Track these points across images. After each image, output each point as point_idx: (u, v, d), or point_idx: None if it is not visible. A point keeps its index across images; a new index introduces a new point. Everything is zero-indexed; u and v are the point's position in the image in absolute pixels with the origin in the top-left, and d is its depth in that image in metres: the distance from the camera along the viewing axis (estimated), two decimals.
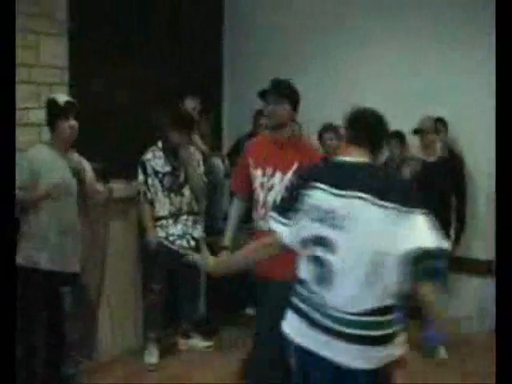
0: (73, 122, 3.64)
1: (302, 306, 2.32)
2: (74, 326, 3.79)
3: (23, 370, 3.49)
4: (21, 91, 4.06)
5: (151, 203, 4.52)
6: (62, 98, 3.73)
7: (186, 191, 4.57)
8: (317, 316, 2.25)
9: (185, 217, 4.58)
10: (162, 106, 4.74)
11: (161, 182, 4.51)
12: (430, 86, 5.30)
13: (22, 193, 3.39)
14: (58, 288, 3.68)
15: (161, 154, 4.54)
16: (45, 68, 4.46)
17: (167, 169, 4.52)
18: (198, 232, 4.67)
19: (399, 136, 5.21)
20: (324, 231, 2.22)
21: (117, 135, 4.97)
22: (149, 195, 4.51)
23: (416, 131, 4.77)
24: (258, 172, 3.33)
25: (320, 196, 2.27)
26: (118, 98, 5.09)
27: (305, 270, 2.34)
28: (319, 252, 2.25)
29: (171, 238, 4.52)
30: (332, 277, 2.21)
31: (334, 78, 5.73)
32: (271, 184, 3.27)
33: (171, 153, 4.53)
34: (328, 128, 5.00)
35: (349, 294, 2.18)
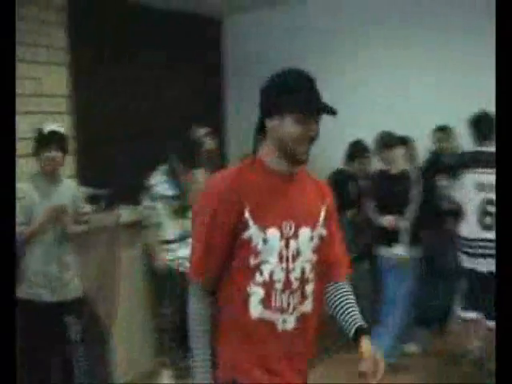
0: (53, 154, 3.54)
1: None
2: (84, 355, 3.78)
3: None
4: (22, 123, 4.03)
5: (158, 227, 4.53)
6: (49, 127, 3.61)
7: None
8: None
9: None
10: (168, 133, 4.77)
11: (166, 205, 4.52)
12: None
13: (18, 229, 3.29)
14: (62, 318, 3.67)
15: (165, 178, 4.55)
16: (46, 97, 4.50)
17: (172, 192, 4.53)
18: None
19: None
20: None
21: (123, 161, 5.00)
22: (155, 219, 4.51)
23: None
24: (272, 232, 1.97)
25: None
26: (124, 123, 5.13)
27: None
28: None
29: (180, 261, 4.52)
30: None
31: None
32: (296, 250, 2.01)
33: (176, 177, 4.54)
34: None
35: None
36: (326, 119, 1.97)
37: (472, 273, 4.35)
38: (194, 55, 5.88)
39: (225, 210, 1.93)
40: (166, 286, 4.52)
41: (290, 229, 1.98)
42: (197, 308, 2.02)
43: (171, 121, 5.26)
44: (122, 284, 4.48)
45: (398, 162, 4.69)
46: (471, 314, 4.45)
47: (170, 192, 4.52)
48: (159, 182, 4.53)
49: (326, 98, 1.95)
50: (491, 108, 3.76)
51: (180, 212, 4.53)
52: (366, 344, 2.06)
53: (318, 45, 6.01)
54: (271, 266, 1.96)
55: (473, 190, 4.31)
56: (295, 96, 1.92)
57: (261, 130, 2.01)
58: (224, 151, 6.40)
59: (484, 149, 4.31)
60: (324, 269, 2.14)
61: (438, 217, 5.09)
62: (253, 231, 1.94)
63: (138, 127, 5.24)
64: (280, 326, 2.00)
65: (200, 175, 4.66)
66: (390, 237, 4.65)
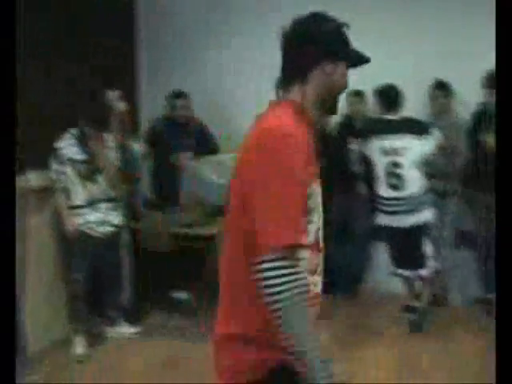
0: None
1: None
2: None
3: None
4: None
5: (66, 191, 4.42)
6: None
7: (101, 178, 4.49)
8: None
9: (102, 204, 4.50)
10: (78, 97, 4.63)
11: (75, 169, 4.41)
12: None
13: None
14: None
15: (74, 141, 4.43)
16: None
17: (81, 156, 4.42)
18: (118, 218, 4.61)
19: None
20: None
21: (32, 124, 4.83)
22: (64, 184, 4.40)
23: None
24: (315, 188, 1.81)
25: None
26: (33, 87, 4.94)
27: None
28: None
29: (90, 225, 4.45)
30: None
31: None
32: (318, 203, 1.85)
33: (85, 141, 4.44)
34: None
35: None
36: None
37: (389, 229, 4.67)
38: (105, 18, 5.71)
39: (303, 162, 1.66)
40: (76, 251, 4.45)
41: (316, 185, 1.81)
42: (305, 280, 1.65)
43: (82, 84, 5.10)
44: (32, 250, 4.37)
45: None
46: (401, 271, 4.77)
47: (78, 156, 4.42)
48: (68, 145, 4.42)
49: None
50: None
51: (89, 176, 4.44)
52: None
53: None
54: (315, 226, 1.78)
55: (379, 154, 4.56)
56: (350, 46, 1.86)
57: (292, 77, 1.83)
58: (136, 115, 6.29)
59: (389, 117, 4.62)
60: None
61: (350, 180, 5.23)
62: (312, 187, 1.75)
63: (51, 90, 5.06)
64: (312, 289, 1.78)
65: (110, 139, 4.58)
66: None
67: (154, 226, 4.94)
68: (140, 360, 4.33)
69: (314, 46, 1.79)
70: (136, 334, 4.78)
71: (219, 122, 5.55)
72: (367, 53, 1.90)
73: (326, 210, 1.87)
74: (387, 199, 4.58)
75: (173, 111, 5.29)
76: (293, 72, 1.82)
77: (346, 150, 5.06)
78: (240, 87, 5.72)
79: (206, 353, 3.32)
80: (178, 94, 5.31)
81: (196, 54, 5.96)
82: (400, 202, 4.52)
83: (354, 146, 5.00)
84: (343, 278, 5.36)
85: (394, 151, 4.49)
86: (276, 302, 1.58)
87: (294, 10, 2.02)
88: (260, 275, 1.60)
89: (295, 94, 1.82)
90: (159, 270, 5.06)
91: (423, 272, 4.66)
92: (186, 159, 5.14)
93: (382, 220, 4.67)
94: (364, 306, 5.34)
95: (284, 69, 1.84)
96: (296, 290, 1.58)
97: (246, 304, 1.75)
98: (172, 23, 6.10)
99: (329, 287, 2.23)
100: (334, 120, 5.37)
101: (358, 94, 5.30)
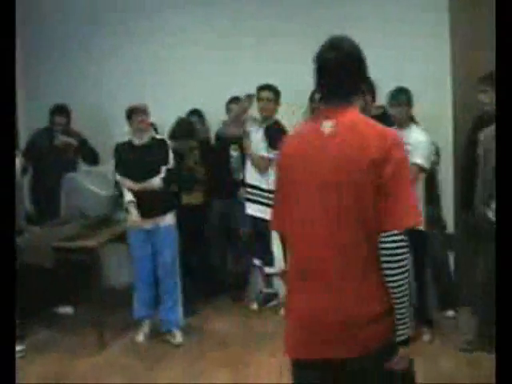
0: None
1: None
2: None
3: None
4: None
5: None
6: None
7: None
8: None
9: None
10: None
11: None
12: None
13: None
14: None
15: None
16: None
17: None
18: None
19: None
20: None
21: None
22: None
23: None
24: None
25: None
26: None
27: None
28: None
29: None
30: None
31: None
32: None
33: None
34: None
35: None
36: None
37: (253, 219, 5.01)
38: None
39: None
40: None
41: None
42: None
43: None
44: None
45: None
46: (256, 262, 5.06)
47: None
48: None
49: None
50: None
51: None
52: None
53: None
54: None
55: None
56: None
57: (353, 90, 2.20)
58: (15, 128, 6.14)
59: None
60: None
61: (230, 185, 5.36)
62: None
63: None
64: None
65: None
66: None
67: (35, 241, 4.82)
68: (29, 378, 4.19)
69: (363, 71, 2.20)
70: (21, 351, 4.64)
71: (99, 135, 5.55)
72: None
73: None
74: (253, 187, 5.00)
75: (52, 124, 5.22)
76: (353, 86, 2.20)
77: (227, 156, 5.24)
78: (120, 100, 5.72)
79: (94, 366, 3.34)
80: (58, 107, 5.25)
81: (76, 67, 5.90)
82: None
83: (233, 152, 5.17)
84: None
85: None
86: (403, 267, 1.99)
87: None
88: (389, 247, 1.99)
89: (356, 103, 2.21)
90: (43, 285, 4.95)
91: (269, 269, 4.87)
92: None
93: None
94: None
95: (342, 83, 2.15)
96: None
97: (376, 281, 2.04)
98: (51, 35, 6.00)
99: None
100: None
101: (237, 100, 5.41)
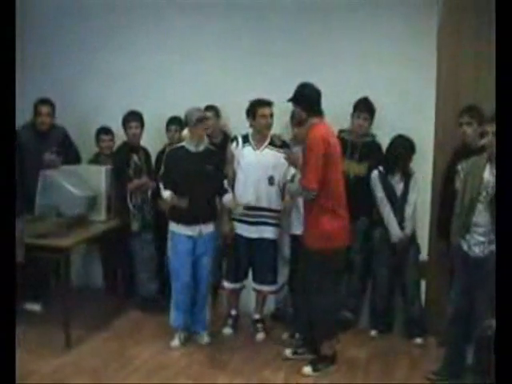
0: None
1: None
2: None
3: None
4: None
5: None
6: None
7: None
8: None
9: None
10: None
11: None
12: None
13: None
14: None
15: None
16: None
17: None
18: None
19: None
20: None
21: None
22: None
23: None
24: None
25: None
26: None
27: None
28: None
29: None
30: None
31: None
32: None
33: None
34: None
35: None
36: None
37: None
38: None
39: None
40: None
41: None
42: None
43: None
44: None
45: None
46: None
47: None
48: None
49: None
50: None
51: None
52: None
53: None
54: None
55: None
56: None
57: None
58: None
59: None
60: None
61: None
62: None
63: None
64: None
65: None
66: None
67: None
68: None
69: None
70: None
71: (82, 131, 5.53)
72: None
73: None
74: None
75: (35, 118, 5.18)
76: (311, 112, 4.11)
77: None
78: (105, 96, 5.70)
79: (59, 365, 3.26)
80: (42, 100, 5.21)
81: (60, 60, 5.86)
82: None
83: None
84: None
85: None
86: None
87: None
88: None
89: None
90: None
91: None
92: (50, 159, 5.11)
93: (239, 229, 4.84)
94: None
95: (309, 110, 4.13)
96: None
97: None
98: (37, 27, 5.94)
99: None
100: None
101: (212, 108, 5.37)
